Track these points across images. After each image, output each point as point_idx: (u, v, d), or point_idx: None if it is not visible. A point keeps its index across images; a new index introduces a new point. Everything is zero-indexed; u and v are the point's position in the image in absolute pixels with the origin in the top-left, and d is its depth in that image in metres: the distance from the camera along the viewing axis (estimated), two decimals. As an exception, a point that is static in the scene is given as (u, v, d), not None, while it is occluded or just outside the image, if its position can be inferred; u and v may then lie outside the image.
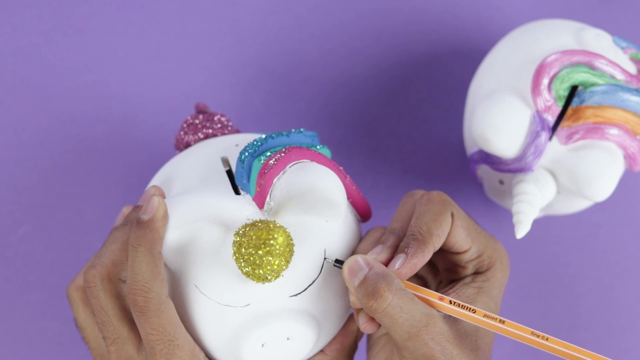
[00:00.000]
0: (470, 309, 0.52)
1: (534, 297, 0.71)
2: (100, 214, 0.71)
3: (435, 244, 0.53)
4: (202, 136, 0.60)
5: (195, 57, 0.73)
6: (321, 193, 0.52)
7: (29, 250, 0.71)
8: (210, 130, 0.60)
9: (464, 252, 0.54)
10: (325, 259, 0.54)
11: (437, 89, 0.73)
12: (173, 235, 0.52)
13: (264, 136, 0.55)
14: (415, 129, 0.73)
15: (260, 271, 0.50)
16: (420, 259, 0.52)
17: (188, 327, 0.54)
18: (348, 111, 0.73)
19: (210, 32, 0.73)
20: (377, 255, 0.53)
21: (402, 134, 0.73)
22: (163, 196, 0.55)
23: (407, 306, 0.51)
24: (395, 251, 0.53)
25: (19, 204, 0.71)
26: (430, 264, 0.58)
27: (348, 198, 0.56)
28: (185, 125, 0.60)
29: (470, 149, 0.65)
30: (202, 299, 0.52)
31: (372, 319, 0.53)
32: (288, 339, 0.54)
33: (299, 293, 0.53)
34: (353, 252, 0.56)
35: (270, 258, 0.50)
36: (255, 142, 0.54)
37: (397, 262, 0.52)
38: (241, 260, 0.51)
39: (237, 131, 0.61)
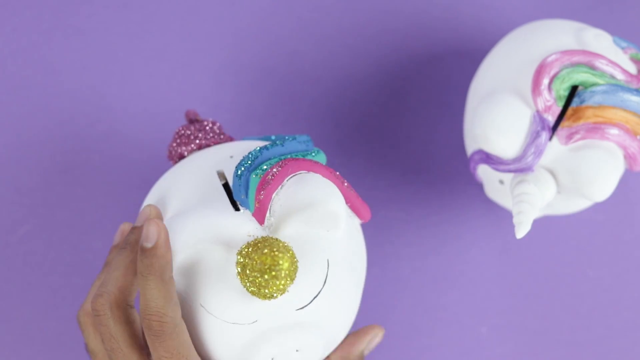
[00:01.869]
0: None
1: (534, 297, 0.71)
2: (100, 214, 0.71)
3: None
4: (195, 147, 0.59)
5: (196, 58, 0.73)
6: (321, 206, 0.52)
7: (29, 250, 0.71)
8: (204, 141, 0.59)
9: None
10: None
11: (437, 89, 0.73)
12: (176, 259, 0.52)
13: (258, 148, 0.55)
14: (415, 129, 0.73)
15: (266, 291, 0.50)
16: None
17: (197, 347, 0.54)
18: (348, 111, 0.73)
19: (211, 32, 0.73)
20: None
21: (402, 134, 0.73)
22: (160, 216, 0.55)
23: None
24: None
25: (19, 204, 0.71)
26: None
27: (347, 202, 0.56)
28: (177, 137, 0.60)
29: (470, 149, 0.65)
30: (209, 318, 0.52)
31: None
32: (297, 351, 0.54)
33: (306, 306, 0.53)
34: None
35: (276, 281, 0.50)
36: (250, 155, 0.54)
37: None
38: (246, 281, 0.50)
39: (231, 139, 0.61)
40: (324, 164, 0.56)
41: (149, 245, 0.51)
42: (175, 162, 0.60)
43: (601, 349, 0.70)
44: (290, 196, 0.52)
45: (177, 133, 0.60)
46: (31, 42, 0.73)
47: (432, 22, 0.74)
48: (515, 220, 0.60)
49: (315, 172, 0.54)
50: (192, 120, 0.61)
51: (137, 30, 0.73)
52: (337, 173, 0.56)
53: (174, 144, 0.60)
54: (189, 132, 0.60)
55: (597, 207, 0.71)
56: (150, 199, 0.58)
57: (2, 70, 0.72)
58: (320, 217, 0.52)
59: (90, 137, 0.72)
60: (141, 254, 0.51)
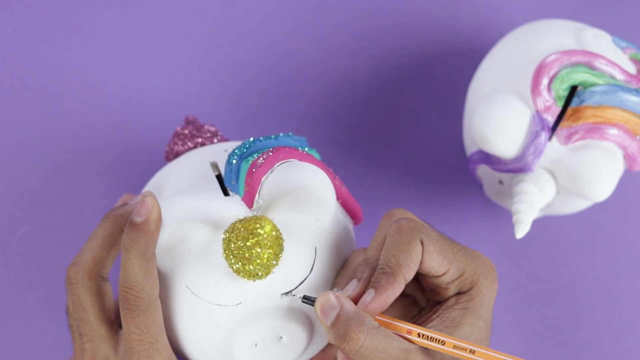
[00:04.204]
0: (439, 341, 0.51)
1: (533, 297, 0.71)
2: (100, 214, 0.71)
3: (406, 276, 0.51)
4: (191, 145, 0.60)
5: (195, 58, 0.73)
6: (310, 190, 0.52)
7: (28, 250, 0.71)
8: (200, 140, 0.60)
9: (442, 275, 0.53)
10: (293, 295, 0.53)
11: (437, 89, 0.73)
12: (163, 234, 0.52)
13: (252, 139, 0.55)
14: (415, 129, 0.73)
15: (250, 267, 0.51)
16: (390, 294, 0.51)
17: (179, 329, 0.54)
18: (348, 111, 0.73)
19: (210, 32, 0.73)
20: (351, 291, 0.52)
21: (402, 134, 0.73)
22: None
23: (381, 345, 0.49)
24: (369, 284, 0.52)
25: (19, 204, 0.71)
26: (418, 281, 0.56)
27: (338, 199, 0.56)
28: (174, 136, 0.61)
29: (470, 149, 0.65)
30: (194, 299, 0.53)
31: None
32: (281, 338, 0.54)
33: (291, 291, 0.53)
34: (333, 282, 0.55)
35: (258, 249, 0.50)
36: (243, 145, 0.55)
37: (367, 297, 0.51)
38: (231, 257, 0.51)
39: (227, 140, 0.61)
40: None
41: (139, 220, 0.51)
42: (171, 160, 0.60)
43: (601, 349, 0.70)
44: (279, 179, 0.52)
45: (175, 133, 0.61)
46: (31, 42, 0.73)
47: (432, 22, 0.74)
48: (514, 220, 0.60)
49: (307, 162, 0.54)
50: (190, 122, 0.62)
51: (137, 30, 0.73)
52: (330, 169, 0.56)
53: (171, 143, 0.60)
54: (186, 132, 0.60)
55: (597, 207, 0.71)
56: (147, 189, 0.58)
57: (2, 70, 0.73)
58: (309, 201, 0.52)
59: (90, 137, 0.72)
60: (129, 227, 0.51)
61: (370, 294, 0.51)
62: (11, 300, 0.70)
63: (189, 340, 0.54)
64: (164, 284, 0.54)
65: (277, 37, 0.73)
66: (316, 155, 0.56)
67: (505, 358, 0.51)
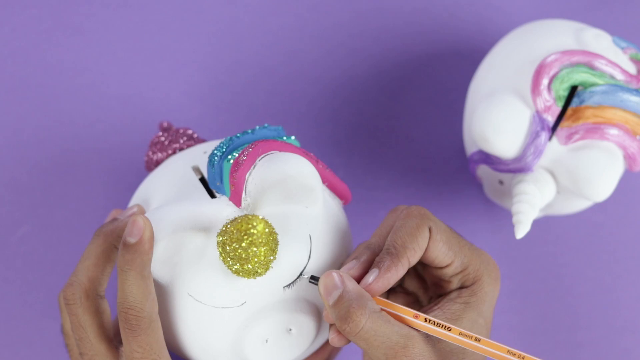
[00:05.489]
0: (445, 327, 0.51)
1: (534, 297, 0.71)
2: (100, 214, 0.71)
3: (410, 259, 0.52)
4: (170, 152, 0.60)
5: (195, 57, 0.73)
6: (294, 179, 0.52)
7: (28, 250, 0.71)
8: (177, 145, 0.60)
9: (447, 266, 0.53)
10: (302, 275, 0.53)
11: (437, 89, 0.73)
12: (157, 248, 0.52)
13: (228, 137, 0.55)
14: (415, 129, 0.73)
15: (249, 265, 0.51)
16: (393, 274, 0.51)
17: (187, 339, 0.54)
18: (348, 111, 0.73)
19: (210, 31, 0.73)
20: (349, 270, 0.52)
21: (402, 134, 0.73)
22: (144, 213, 0.55)
23: (381, 329, 0.50)
24: (369, 266, 0.52)
25: (19, 204, 0.71)
26: (420, 278, 0.57)
27: (324, 182, 0.56)
28: (152, 145, 0.61)
29: (470, 149, 0.65)
30: (198, 306, 0.52)
31: (341, 333, 0.52)
32: (290, 330, 0.54)
33: (292, 282, 0.53)
34: (340, 265, 0.56)
35: (254, 249, 0.50)
36: (222, 144, 0.54)
37: (370, 277, 0.51)
38: (228, 259, 0.51)
39: (204, 141, 0.61)
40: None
41: (132, 240, 0.51)
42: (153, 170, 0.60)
43: (601, 349, 0.70)
44: (263, 174, 0.52)
45: (152, 141, 0.61)
46: (31, 42, 0.73)
47: (432, 22, 0.74)
48: (514, 220, 0.60)
49: (287, 151, 0.54)
50: (165, 129, 0.62)
51: (137, 30, 0.73)
52: (311, 154, 0.56)
53: (150, 152, 0.60)
54: (163, 139, 0.60)
55: (597, 207, 0.71)
56: (133, 202, 0.58)
57: (2, 70, 0.73)
58: (295, 190, 0.53)
59: (89, 137, 0.72)
60: (123, 248, 0.51)
61: (373, 273, 0.51)
62: (11, 300, 0.70)
63: (198, 348, 0.54)
64: (164, 295, 0.54)
65: (277, 37, 0.73)
66: (295, 143, 0.56)
67: (510, 349, 0.51)
